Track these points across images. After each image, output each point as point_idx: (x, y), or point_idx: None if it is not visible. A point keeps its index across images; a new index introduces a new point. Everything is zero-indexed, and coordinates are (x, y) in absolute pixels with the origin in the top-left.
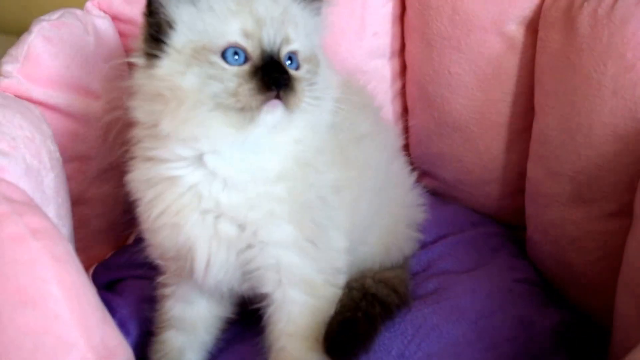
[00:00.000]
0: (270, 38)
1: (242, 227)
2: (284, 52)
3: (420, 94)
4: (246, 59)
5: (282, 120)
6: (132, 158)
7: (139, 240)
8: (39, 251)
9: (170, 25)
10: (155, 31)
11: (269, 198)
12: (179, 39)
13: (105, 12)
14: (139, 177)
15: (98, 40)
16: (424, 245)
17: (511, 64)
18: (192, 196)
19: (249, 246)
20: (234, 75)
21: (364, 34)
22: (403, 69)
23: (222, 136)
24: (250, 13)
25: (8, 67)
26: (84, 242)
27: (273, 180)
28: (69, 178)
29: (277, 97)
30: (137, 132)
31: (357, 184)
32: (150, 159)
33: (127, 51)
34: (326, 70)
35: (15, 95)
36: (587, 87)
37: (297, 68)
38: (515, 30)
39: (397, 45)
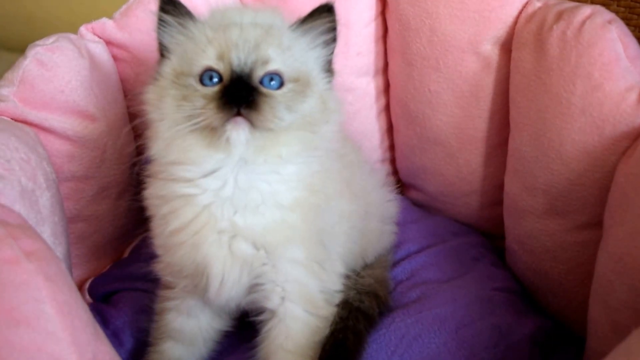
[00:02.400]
0: (240, 59)
1: (257, 247)
2: (258, 73)
3: (402, 111)
4: (221, 81)
5: (254, 137)
6: (148, 176)
7: (135, 253)
8: (33, 272)
9: (165, 55)
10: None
11: (284, 225)
12: (167, 66)
13: (99, 36)
14: (154, 194)
15: (92, 64)
16: (408, 255)
17: (487, 83)
18: (208, 216)
19: (262, 264)
20: (202, 96)
21: (348, 53)
22: (387, 87)
23: (204, 158)
24: (224, 38)
25: (4, 91)
26: (82, 257)
27: (288, 208)
28: (66, 197)
29: (240, 114)
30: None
31: (356, 214)
32: (164, 178)
33: (121, 75)
34: (323, 92)
35: (11, 118)
36: (557, 106)
37: (280, 87)
38: (491, 50)
39: (381, 64)
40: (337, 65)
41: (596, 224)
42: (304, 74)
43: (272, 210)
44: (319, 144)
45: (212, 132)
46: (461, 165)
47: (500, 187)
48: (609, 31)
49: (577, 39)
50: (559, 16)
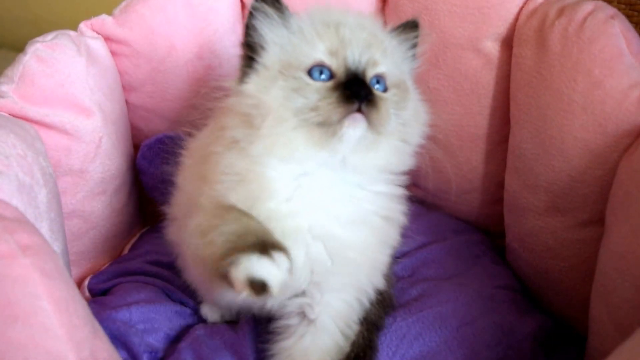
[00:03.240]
0: (355, 57)
1: (330, 255)
2: (370, 74)
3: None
4: (331, 77)
5: (365, 137)
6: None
7: (134, 250)
8: (29, 267)
9: (262, 46)
10: (249, 52)
11: (358, 246)
12: (269, 57)
13: (97, 33)
14: (229, 163)
15: (91, 60)
16: (409, 253)
17: (487, 80)
18: (287, 209)
19: (326, 273)
20: (316, 90)
21: None
22: None
23: (309, 155)
24: (336, 34)
25: (3, 87)
26: (79, 254)
27: (369, 230)
28: (64, 192)
29: (359, 110)
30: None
31: None
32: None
33: (120, 70)
34: (417, 102)
35: (10, 114)
36: (558, 103)
37: (385, 91)
38: (491, 47)
39: None
40: None
41: (597, 221)
42: (403, 81)
43: (352, 227)
44: (408, 160)
45: (323, 128)
46: (461, 162)
47: (501, 184)
48: (612, 26)
49: (579, 34)
50: (561, 12)
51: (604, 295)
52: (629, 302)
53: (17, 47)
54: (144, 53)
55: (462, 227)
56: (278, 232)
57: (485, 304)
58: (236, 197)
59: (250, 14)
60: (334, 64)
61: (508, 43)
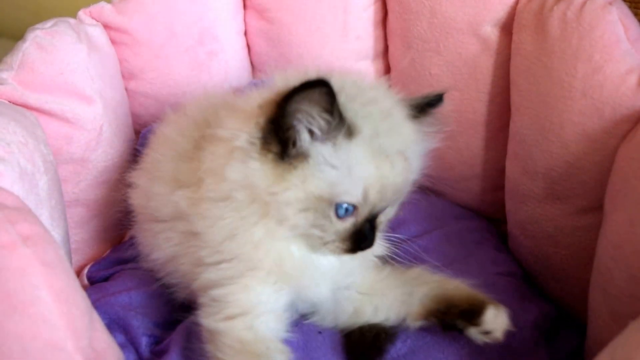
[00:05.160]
0: (383, 205)
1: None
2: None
3: (402, 94)
4: (353, 212)
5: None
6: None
7: (134, 238)
8: (29, 257)
9: (302, 155)
10: (279, 144)
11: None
12: (311, 178)
13: (96, 20)
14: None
15: (90, 47)
16: (409, 238)
17: (487, 65)
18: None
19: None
20: (336, 231)
21: (347, 37)
22: (387, 70)
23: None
24: (381, 184)
25: (3, 75)
26: (81, 242)
27: None
28: (65, 180)
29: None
30: None
31: None
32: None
33: (119, 58)
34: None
35: (10, 102)
36: (558, 88)
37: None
38: (491, 32)
39: (380, 48)
40: (336, 48)
41: (597, 208)
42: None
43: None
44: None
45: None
46: (462, 149)
47: (502, 171)
48: (610, 12)
49: (578, 20)
50: None
51: (601, 284)
52: (624, 292)
53: (16, 36)
54: (144, 40)
55: (463, 213)
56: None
57: (486, 291)
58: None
59: (289, 110)
60: (362, 205)
61: (508, 28)
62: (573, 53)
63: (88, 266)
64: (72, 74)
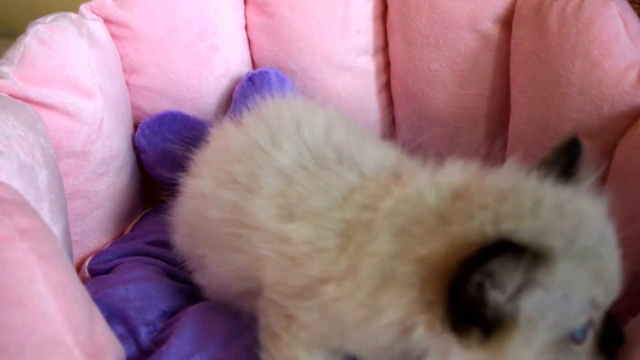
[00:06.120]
0: (611, 298)
1: None
2: None
3: (402, 89)
4: (588, 326)
5: None
6: None
7: (135, 230)
8: (27, 251)
9: (509, 320)
10: (474, 321)
11: None
12: (525, 337)
13: (97, 14)
14: None
15: (91, 42)
16: None
17: (487, 61)
18: None
19: None
20: (586, 356)
21: (347, 32)
22: (387, 65)
23: None
24: (602, 282)
25: (4, 69)
26: (82, 234)
27: None
28: (66, 174)
29: None
30: None
31: None
32: None
33: (121, 53)
34: None
35: (11, 95)
36: (556, 85)
37: None
38: (490, 27)
39: (380, 43)
40: (337, 43)
41: None
42: None
43: None
44: None
45: None
46: (462, 144)
47: None
48: (609, 8)
49: (577, 15)
50: None
51: None
52: (625, 289)
53: (13, 35)
54: (144, 35)
55: None
56: None
57: None
58: None
59: (481, 276)
60: (595, 315)
61: (507, 24)
62: (571, 48)
63: (89, 258)
64: (73, 68)
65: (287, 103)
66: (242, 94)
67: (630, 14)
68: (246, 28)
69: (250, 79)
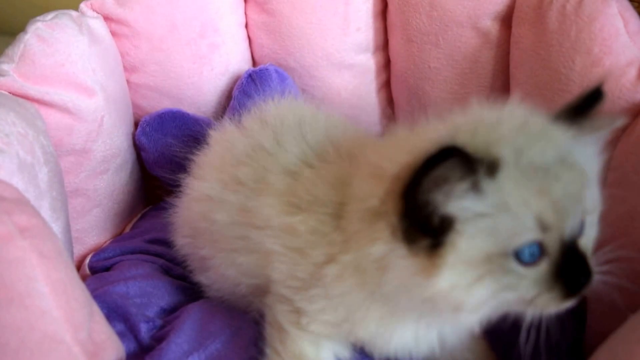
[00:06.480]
0: (572, 226)
1: None
2: (580, 233)
3: (402, 87)
4: (541, 253)
5: None
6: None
7: (136, 228)
8: (26, 249)
9: (448, 226)
10: (422, 225)
11: None
12: (463, 245)
13: (97, 12)
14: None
15: (92, 39)
16: None
17: (487, 59)
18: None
19: None
20: (532, 282)
21: (348, 29)
22: (387, 63)
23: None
24: (550, 201)
25: (4, 66)
26: (82, 232)
27: None
28: (67, 171)
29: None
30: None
31: None
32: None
33: (121, 51)
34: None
35: (10, 93)
36: (556, 83)
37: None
38: (490, 25)
39: (381, 40)
40: (337, 41)
41: None
42: (597, 196)
43: None
44: None
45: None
46: None
47: None
48: (609, 6)
49: (577, 13)
50: None
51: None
52: (623, 285)
53: (11, 32)
54: (145, 33)
55: None
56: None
57: None
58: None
59: (428, 180)
60: (549, 241)
61: (507, 22)
62: (571, 46)
63: (90, 256)
64: (73, 65)
65: (289, 105)
66: (242, 91)
67: (630, 12)
68: (246, 26)
69: (251, 76)
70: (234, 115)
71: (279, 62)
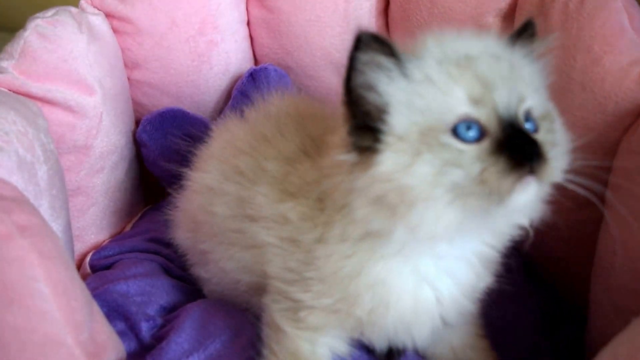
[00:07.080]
0: (504, 101)
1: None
2: (521, 114)
3: None
4: (482, 133)
5: (537, 195)
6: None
7: (136, 228)
8: (26, 249)
9: (381, 110)
10: (364, 120)
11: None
12: (398, 123)
13: (98, 9)
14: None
15: (92, 36)
16: None
17: None
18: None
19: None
20: (475, 157)
21: (348, 27)
22: None
23: (463, 227)
24: (474, 75)
25: (3, 64)
26: (82, 230)
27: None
28: (67, 169)
29: (532, 172)
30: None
31: None
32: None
33: (123, 48)
34: (562, 129)
35: (11, 90)
36: (557, 81)
37: (536, 130)
38: (493, 22)
39: None
40: (337, 39)
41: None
42: (548, 109)
43: (474, 293)
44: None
45: (487, 197)
46: None
47: None
48: (614, 1)
49: (579, 10)
50: None
51: (602, 278)
52: (627, 287)
53: (10, 29)
54: (146, 29)
55: None
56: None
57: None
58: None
59: (354, 69)
60: (483, 115)
61: (509, 19)
62: (572, 44)
63: (90, 254)
64: (74, 62)
65: (292, 100)
66: (241, 90)
67: (635, 8)
68: (249, 24)
69: (252, 75)
70: (234, 113)
71: (278, 62)
